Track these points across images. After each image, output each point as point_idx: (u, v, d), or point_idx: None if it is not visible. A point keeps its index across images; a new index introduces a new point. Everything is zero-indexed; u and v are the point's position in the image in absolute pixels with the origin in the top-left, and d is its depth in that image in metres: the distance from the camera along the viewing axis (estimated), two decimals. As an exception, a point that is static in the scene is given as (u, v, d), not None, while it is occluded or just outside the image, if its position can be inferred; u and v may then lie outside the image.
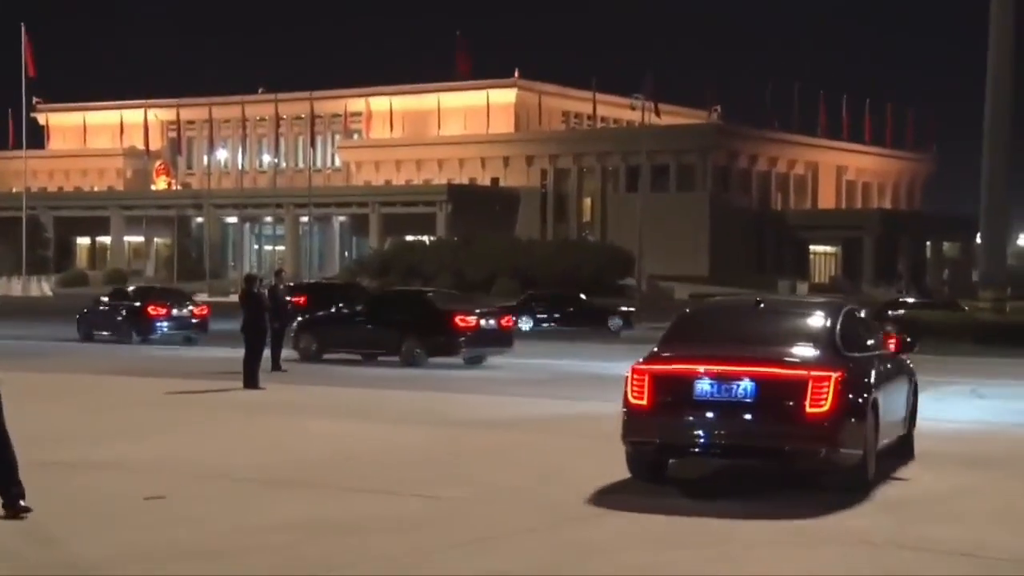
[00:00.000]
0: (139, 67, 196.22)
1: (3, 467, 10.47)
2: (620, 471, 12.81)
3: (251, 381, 22.69)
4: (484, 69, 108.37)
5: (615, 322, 49.36)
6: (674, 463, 12.73)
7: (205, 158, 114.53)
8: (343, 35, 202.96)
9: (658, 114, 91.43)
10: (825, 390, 11.43)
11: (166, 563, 9.17)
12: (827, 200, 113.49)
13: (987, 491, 12.65)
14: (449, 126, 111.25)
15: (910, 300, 54.44)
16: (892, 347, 14.19)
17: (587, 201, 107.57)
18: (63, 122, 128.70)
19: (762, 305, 13.27)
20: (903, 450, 14.16)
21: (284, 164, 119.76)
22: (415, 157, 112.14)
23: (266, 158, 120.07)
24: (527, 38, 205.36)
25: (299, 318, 32.22)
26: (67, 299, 62.28)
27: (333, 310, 33.02)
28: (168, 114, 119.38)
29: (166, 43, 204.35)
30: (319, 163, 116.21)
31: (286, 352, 27.81)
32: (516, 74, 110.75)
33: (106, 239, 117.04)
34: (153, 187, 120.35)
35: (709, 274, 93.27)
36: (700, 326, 13.26)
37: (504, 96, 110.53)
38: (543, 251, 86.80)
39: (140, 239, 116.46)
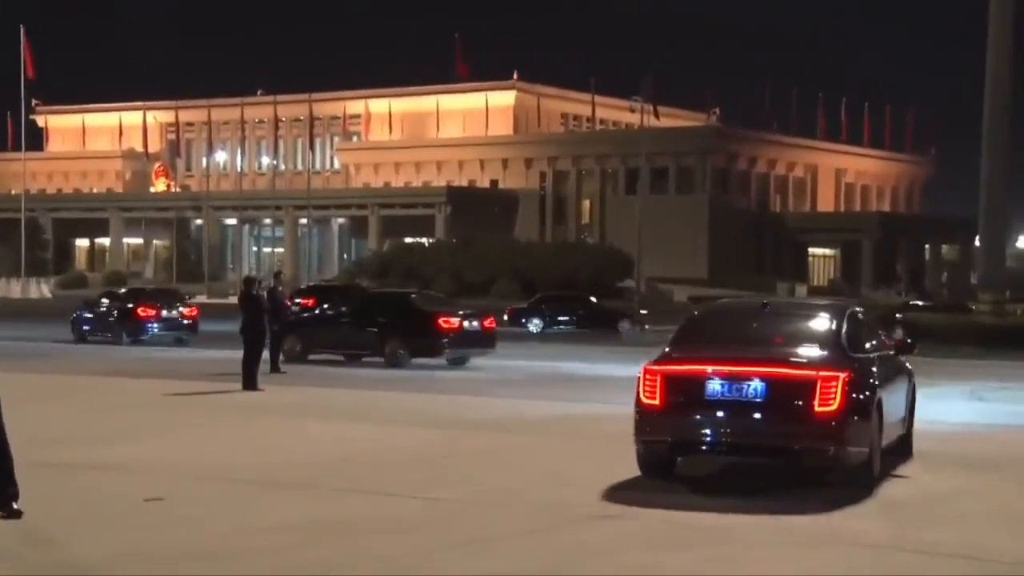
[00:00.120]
0: (138, 68, 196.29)
1: (-1, 468, 10.45)
2: (619, 472, 12.83)
3: (250, 383, 22.69)
4: (483, 70, 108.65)
5: (624, 325, 49.28)
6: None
7: (204, 160, 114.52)
8: (343, 36, 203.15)
9: (657, 116, 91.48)
10: (833, 390, 11.68)
11: (166, 564, 9.16)
12: (826, 202, 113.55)
13: (987, 493, 12.66)
14: (448, 128, 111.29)
15: (920, 303, 54.47)
16: (892, 348, 14.44)
17: (586, 203, 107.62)
18: (62, 124, 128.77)
19: (768, 307, 13.64)
20: (903, 449, 14.37)
21: (283, 166, 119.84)
22: (414, 159, 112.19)
23: (265, 160, 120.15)
24: (526, 38, 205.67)
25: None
26: (66, 301, 62.23)
27: (317, 311, 33.14)
28: (167, 116, 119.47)
29: (165, 44, 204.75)
30: (318, 165, 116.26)
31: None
32: (515, 76, 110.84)
33: (105, 241, 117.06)
34: (152, 189, 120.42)
35: (708, 276, 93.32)
36: (709, 328, 13.50)
37: (503, 98, 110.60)
38: (542, 253, 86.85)
39: (139, 241, 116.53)
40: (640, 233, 69.16)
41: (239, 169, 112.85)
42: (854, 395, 11.86)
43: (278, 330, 26.97)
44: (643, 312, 52.80)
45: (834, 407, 11.66)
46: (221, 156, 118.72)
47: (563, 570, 9.22)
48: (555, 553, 9.70)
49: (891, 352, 14.29)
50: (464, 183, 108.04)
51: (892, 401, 13.26)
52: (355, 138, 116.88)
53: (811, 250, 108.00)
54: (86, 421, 17.90)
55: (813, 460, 11.99)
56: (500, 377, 26.88)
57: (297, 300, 43.23)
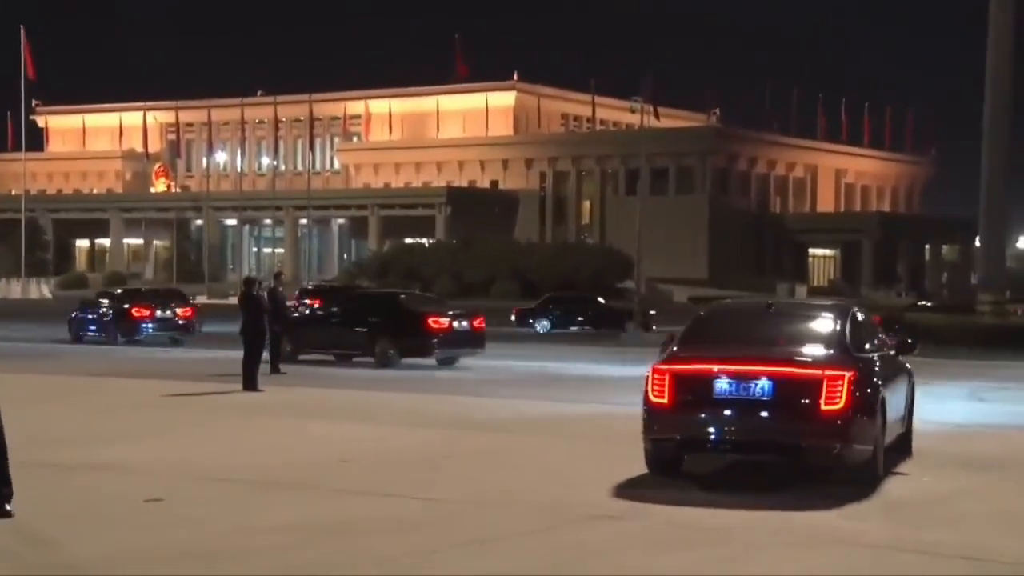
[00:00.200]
0: (138, 69, 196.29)
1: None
2: (619, 472, 12.84)
3: (250, 383, 22.68)
4: (483, 70, 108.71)
5: (631, 326, 49.22)
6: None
7: (204, 160, 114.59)
8: (343, 36, 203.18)
9: (657, 117, 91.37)
10: (839, 389, 11.90)
11: (166, 564, 9.16)
12: (826, 203, 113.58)
13: (987, 493, 12.67)
14: (448, 129, 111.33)
15: (927, 304, 54.48)
16: (892, 348, 14.62)
17: (586, 204, 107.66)
18: (62, 124, 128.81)
19: (773, 308, 13.92)
20: (902, 447, 14.51)
21: (283, 166, 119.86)
22: (414, 160, 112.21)
23: (265, 160, 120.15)
24: (526, 38, 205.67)
25: None
26: (66, 302, 62.19)
27: (307, 312, 33.18)
28: (167, 116, 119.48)
29: (165, 44, 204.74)
30: (318, 166, 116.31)
31: None
32: (515, 76, 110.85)
33: (105, 241, 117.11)
34: (152, 189, 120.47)
35: (708, 277, 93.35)
36: (715, 328, 13.64)
37: (503, 99, 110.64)
38: (542, 254, 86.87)
39: (139, 241, 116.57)
40: (640, 233, 69.02)
41: (239, 169, 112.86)
42: (859, 394, 12.06)
43: (278, 331, 26.98)
44: (652, 312, 52.81)
45: (840, 405, 11.87)
46: (221, 156, 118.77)
47: (563, 570, 9.21)
48: (555, 553, 9.70)
49: (891, 352, 14.44)
50: (464, 183, 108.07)
51: (894, 400, 13.46)
52: (355, 138, 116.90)
53: (811, 250, 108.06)
54: (86, 421, 17.89)
55: (819, 457, 12.18)
56: (501, 377, 26.87)
57: (304, 300, 43.39)
